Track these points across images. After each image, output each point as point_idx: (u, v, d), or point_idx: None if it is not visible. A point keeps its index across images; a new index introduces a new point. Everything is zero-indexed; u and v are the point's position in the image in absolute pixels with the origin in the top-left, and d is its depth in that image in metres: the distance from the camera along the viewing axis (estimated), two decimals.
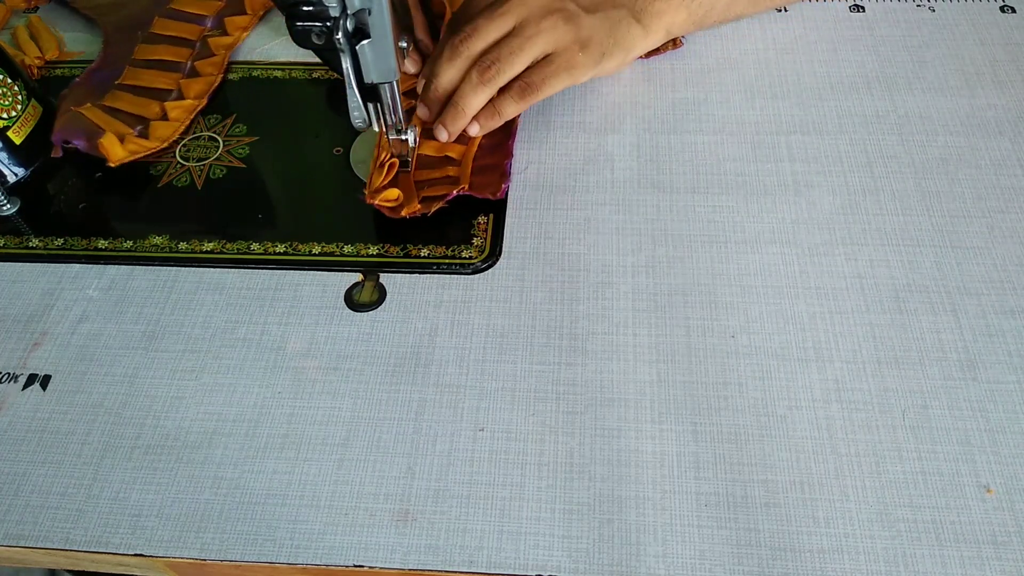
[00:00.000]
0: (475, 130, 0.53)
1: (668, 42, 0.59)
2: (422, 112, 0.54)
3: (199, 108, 0.58)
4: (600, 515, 0.40)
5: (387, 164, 0.51)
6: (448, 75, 0.52)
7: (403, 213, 0.50)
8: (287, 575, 0.40)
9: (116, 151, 0.54)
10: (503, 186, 0.51)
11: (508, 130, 0.55)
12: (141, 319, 0.48)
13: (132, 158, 0.55)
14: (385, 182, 0.51)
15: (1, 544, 0.40)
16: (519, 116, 0.55)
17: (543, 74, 0.52)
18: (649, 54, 0.59)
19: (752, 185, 0.52)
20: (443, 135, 0.53)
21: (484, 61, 0.51)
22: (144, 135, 0.56)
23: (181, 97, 0.59)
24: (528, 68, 0.53)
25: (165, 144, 0.56)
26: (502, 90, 0.52)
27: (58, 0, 0.67)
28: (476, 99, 0.51)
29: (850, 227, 0.50)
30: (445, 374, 0.45)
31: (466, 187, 0.51)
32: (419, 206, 0.50)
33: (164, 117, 0.57)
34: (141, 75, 0.60)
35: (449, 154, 0.54)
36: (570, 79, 0.53)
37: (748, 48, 0.61)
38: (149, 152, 0.55)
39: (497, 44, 0.51)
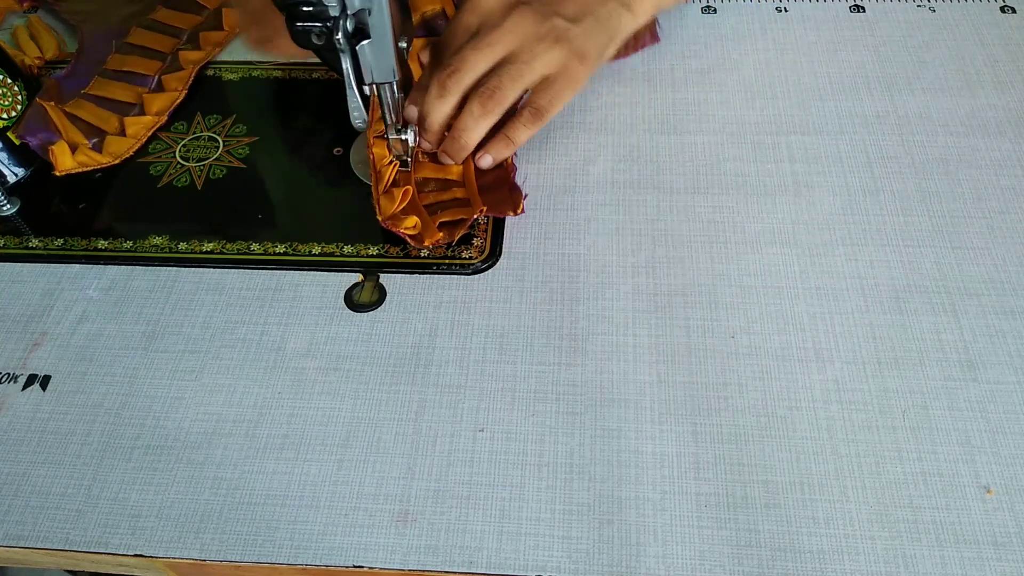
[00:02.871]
0: (487, 162, 0.52)
1: (646, 36, 0.59)
2: (424, 145, 0.53)
3: (158, 125, 0.57)
4: (600, 516, 0.40)
5: (400, 192, 0.50)
6: (440, 111, 0.51)
7: (426, 244, 0.49)
8: (287, 575, 0.40)
9: (65, 161, 0.54)
10: (521, 201, 0.51)
11: None
12: (141, 319, 0.48)
13: (79, 169, 0.55)
14: (399, 208, 0.50)
15: (1, 544, 0.40)
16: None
17: (549, 96, 0.52)
18: (629, 51, 0.59)
19: (752, 185, 0.52)
20: (449, 163, 0.53)
21: (483, 92, 0.50)
22: (98, 148, 0.56)
23: (142, 112, 0.58)
24: (527, 91, 0.52)
25: (117, 161, 0.55)
26: (511, 117, 0.52)
27: (45, 7, 0.67)
28: (478, 131, 0.51)
29: (850, 227, 0.50)
30: (445, 374, 0.45)
31: (485, 209, 0.50)
32: (440, 235, 0.49)
33: (122, 132, 0.57)
34: (107, 86, 0.59)
35: (448, 176, 0.53)
36: (573, 92, 0.53)
37: (748, 48, 0.61)
38: (99, 166, 0.55)
39: (494, 73, 0.50)
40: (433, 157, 0.54)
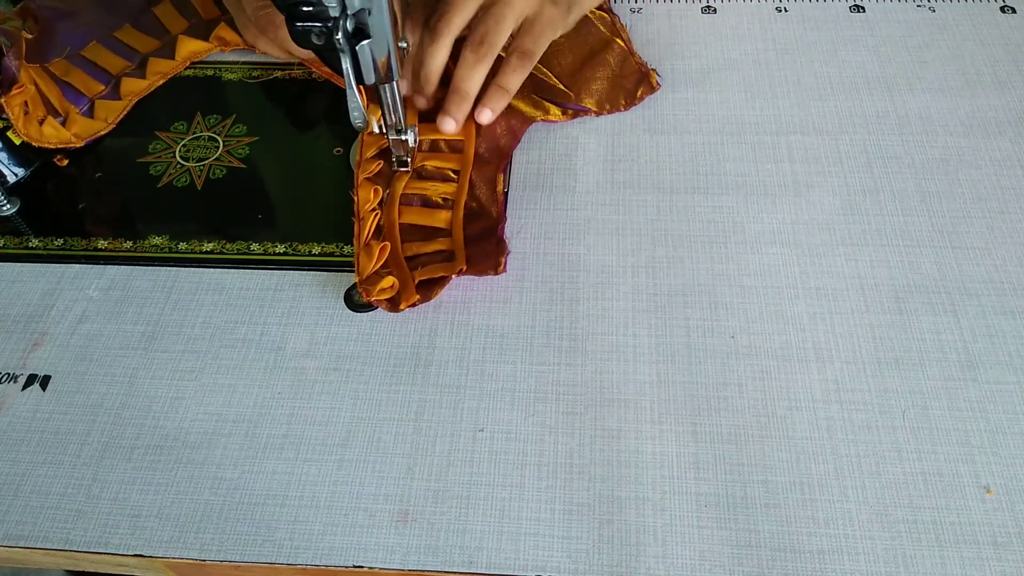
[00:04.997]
0: (487, 117, 0.52)
1: (646, 87, 0.58)
2: (419, 102, 0.53)
3: (70, 144, 0.56)
4: (600, 516, 0.40)
5: (378, 247, 0.48)
6: (437, 57, 0.51)
7: (401, 308, 0.46)
8: (287, 575, 0.40)
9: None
10: (503, 259, 0.48)
11: (495, 191, 0.52)
12: (141, 319, 0.48)
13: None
14: (377, 266, 0.47)
15: (1, 544, 0.40)
16: (506, 181, 0.53)
17: (532, 37, 0.53)
18: (628, 105, 0.57)
19: (752, 185, 0.52)
20: (450, 125, 0.52)
21: (474, 38, 0.51)
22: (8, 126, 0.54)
23: (63, 124, 0.56)
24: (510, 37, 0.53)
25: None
26: (499, 67, 0.53)
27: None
28: (476, 78, 0.51)
29: (850, 227, 0.50)
30: (445, 374, 0.45)
31: (464, 268, 0.47)
32: (417, 296, 0.46)
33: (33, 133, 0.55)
34: (46, 82, 0.57)
35: (435, 224, 0.51)
36: (553, 34, 0.55)
37: (748, 48, 0.61)
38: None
39: (478, 20, 0.52)
40: (425, 201, 0.51)
